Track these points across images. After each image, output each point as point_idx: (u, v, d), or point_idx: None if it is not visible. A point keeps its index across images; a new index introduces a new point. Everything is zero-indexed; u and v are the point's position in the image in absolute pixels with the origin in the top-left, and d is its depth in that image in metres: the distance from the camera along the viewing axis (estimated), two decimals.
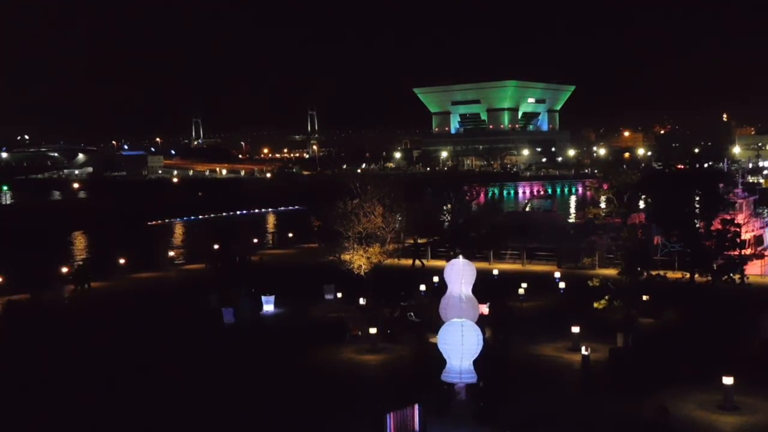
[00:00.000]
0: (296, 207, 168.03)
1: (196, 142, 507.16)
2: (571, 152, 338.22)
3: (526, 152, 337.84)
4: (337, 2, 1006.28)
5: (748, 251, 56.94)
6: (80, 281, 58.96)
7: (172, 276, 67.06)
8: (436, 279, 52.10)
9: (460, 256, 36.19)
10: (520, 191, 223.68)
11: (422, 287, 52.64)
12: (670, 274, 50.32)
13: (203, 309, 49.78)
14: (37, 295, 55.68)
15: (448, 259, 46.30)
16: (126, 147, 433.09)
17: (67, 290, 58.71)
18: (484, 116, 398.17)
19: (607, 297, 44.04)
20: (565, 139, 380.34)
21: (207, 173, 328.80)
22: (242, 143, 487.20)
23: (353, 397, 32.73)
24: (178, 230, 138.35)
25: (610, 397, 31.89)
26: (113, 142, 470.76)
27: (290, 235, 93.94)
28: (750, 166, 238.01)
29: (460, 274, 32.98)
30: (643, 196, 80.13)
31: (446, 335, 31.25)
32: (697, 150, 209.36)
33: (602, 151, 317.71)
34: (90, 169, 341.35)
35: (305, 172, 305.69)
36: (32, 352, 41.61)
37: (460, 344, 30.83)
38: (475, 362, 31.29)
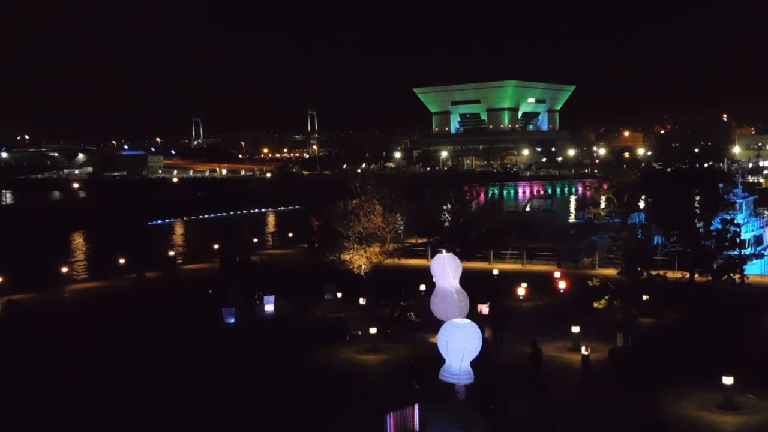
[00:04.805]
0: (296, 207, 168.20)
1: (196, 142, 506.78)
2: (571, 152, 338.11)
3: (526, 152, 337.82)
4: (338, 3, 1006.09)
5: (748, 251, 56.88)
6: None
7: (171, 276, 66.89)
8: None
9: (443, 251, 36.32)
10: (520, 191, 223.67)
11: (422, 287, 52.58)
12: (670, 274, 50.24)
13: (204, 309, 49.71)
14: (39, 294, 55.67)
15: None
16: (126, 147, 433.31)
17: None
18: (484, 116, 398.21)
19: (607, 297, 43.95)
20: (565, 139, 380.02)
21: (207, 173, 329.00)
22: (242, 143, 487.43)
23: (353, 396, 32.71)
24: (179, 230, 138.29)
25: (610, 397, 31.86)
26: (113, 142, 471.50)
27: (290, 235, 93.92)
28: (750, 166, 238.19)
29: (445, 268, 33.12)
30: (643, 196, 79.96)
31: (452, 337, 31.18)
32: (697, 150, 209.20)
33: (602, 151, 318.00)
34: (90, 169, 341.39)
35: (305, 172, 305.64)
36: (32, 351, 41.56)
37: (462, 347, 30.82)
38: (473, 363, 31.30)
